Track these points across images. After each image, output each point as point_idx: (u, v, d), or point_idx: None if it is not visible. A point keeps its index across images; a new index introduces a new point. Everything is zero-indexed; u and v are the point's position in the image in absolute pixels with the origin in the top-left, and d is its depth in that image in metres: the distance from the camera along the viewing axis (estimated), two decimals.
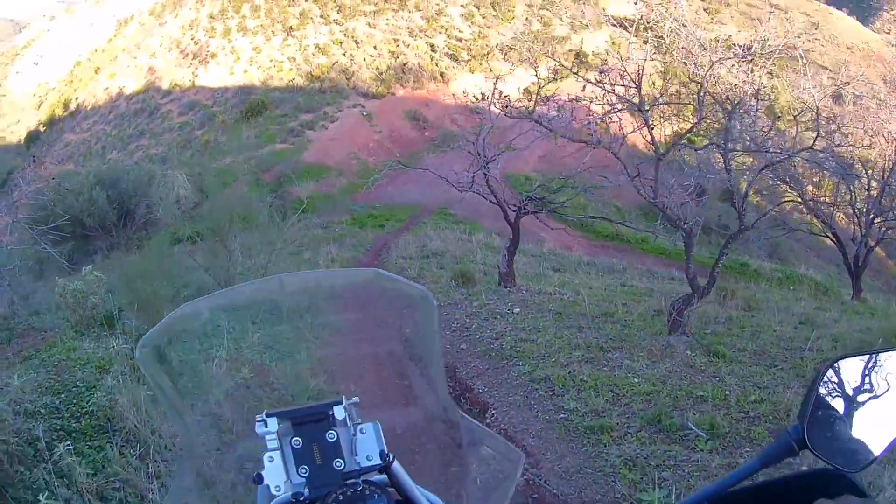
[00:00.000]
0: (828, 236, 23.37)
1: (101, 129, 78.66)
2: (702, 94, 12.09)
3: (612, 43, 68.41)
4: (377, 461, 1.93)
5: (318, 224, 35.45)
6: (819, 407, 2.01)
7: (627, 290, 18.96)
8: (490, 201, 17.47)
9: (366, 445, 1.96)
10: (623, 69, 13.45)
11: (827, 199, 19.13)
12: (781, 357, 11.92)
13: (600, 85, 13.84)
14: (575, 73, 13.75)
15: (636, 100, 12.97)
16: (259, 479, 1.90)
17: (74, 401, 8.78)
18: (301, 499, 1.89)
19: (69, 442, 7.53)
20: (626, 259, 29.99)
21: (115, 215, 27.27)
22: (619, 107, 13.77)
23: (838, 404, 2.06)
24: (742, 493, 1.96)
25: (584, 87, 13.59)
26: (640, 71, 12.60)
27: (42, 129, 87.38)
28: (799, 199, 18.29)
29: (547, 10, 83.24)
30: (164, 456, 7.72)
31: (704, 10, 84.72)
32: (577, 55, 64.00)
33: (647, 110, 12.66)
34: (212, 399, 2.70)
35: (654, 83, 12.96)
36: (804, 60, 13.20)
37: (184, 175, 25.98)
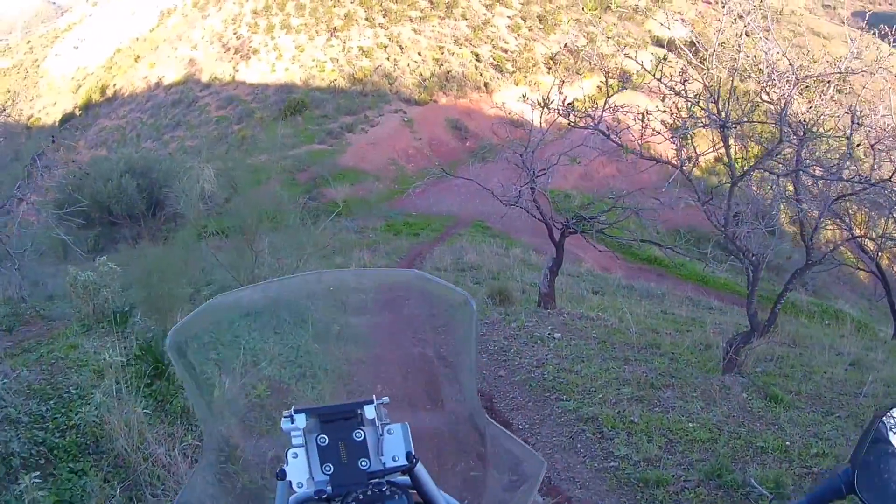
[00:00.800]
0: (872, 272, 22.39)
1: (137, 117, 78.51)
2: (784, 115, 11.07)
3: (658, 63, 67.42)
4: (403, 462, 1.93)
5: (351, 228, 35.11)
6: (871, 452, 1.94)
7: (670, 319, 18.15)
8: (536, 218, 16.71)
9: (392, 446, 1.96)
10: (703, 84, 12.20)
11: (874, 236, 18.07)
12: (837, 402, 11.11)
13: (682, 96, 13.20)
14: (658, 80, 12.57)
15: (719, 114, 11.82)
16: (282, 474, 1.89)
17: (63, 410, 8.07)
18: (324, 496, 1.89)
19: (49, 459, 7.05)
20: (664, 284, 29.48)
21: (143, 204, 26.71)
22: (702, 122, 12.70)
23: (892, 452, 1.96)
24: None
25: (664, 97, 12.62)
26: (720, 86, 11.57)
27: (78, 112, 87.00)
28: (851, 235, 17.27)
29: (593, 26, 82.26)
30: (156, 490, 7.08)
31: (746, 34, 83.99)
32: (624, 73, 63.17)
33: (730, 128, 11.55)
34: (239, 394, 2.74)
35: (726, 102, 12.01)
36: (888, 84, 12.21)
37: (211, 169, 25.08)
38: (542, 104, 14.24)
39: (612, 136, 14.49)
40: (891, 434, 1.97)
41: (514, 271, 24.75)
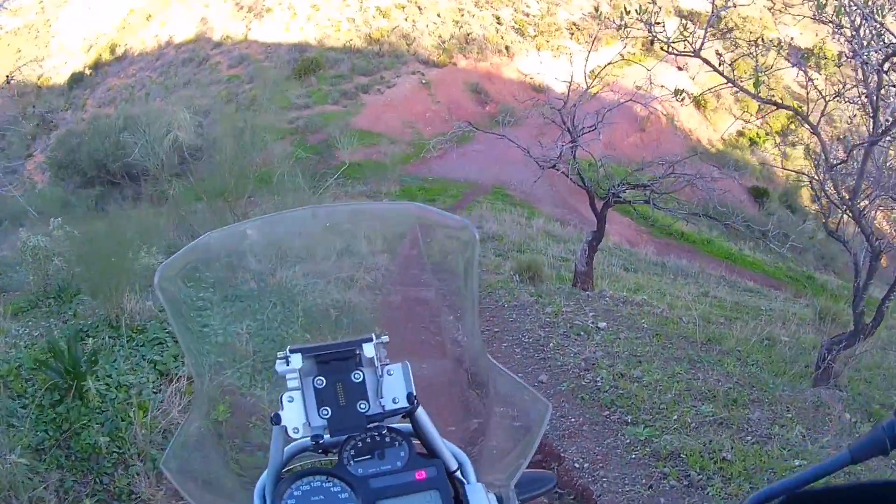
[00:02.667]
0: None
1: (147, 76, 76.70)
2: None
3: (682, 32, 66.81)
4: (404, 404, 1.92)
5: (364, 192, 34.31)
6: None
7: (716, 304, 16.55)
8: (576, 184, 14.83)
9: (393, 387, 1.94)
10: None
11: None
12: None
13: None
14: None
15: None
16: (276, 419, 1.86)
17: None
18: (320, 441, 1.88)
19: None
20: (695, 261, 28.40)
21: (142, 162, 25.28)
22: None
23: None
24: (820, 494, 1.71)
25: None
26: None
27: (87, 71, 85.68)
28: None
29: None
30: None
31: (768, 9, 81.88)
32: (651, 41, 61.92)
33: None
34: (231, 336, 2.79)
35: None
36: None
37: (187, 114, 23.23)
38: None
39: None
40: None
41: (538, 243, 23.21)
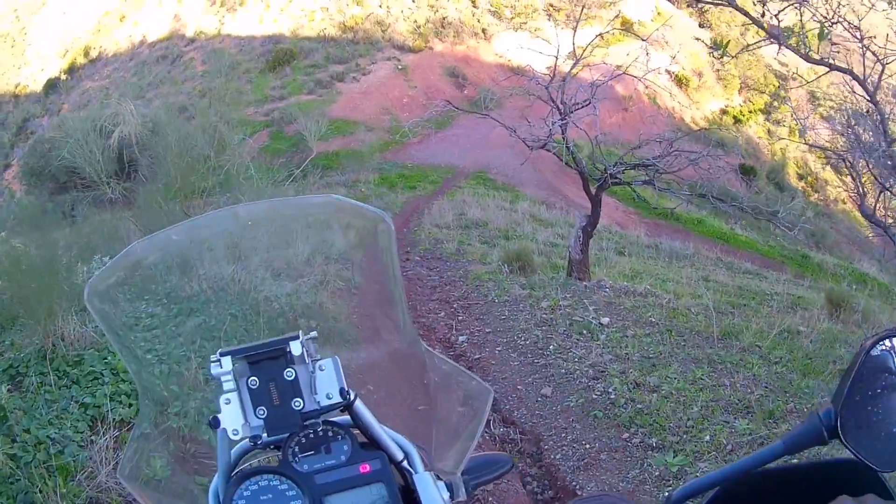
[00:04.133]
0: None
1: (121, 77, 76.27)
2: None
3: (659, 13, 66.98)
4: (338, 399, 1.89)
5: (340, 182, 33.94)
6: (858, 391, 1.64)
7: (720, 289, 15.67)
8: (569, 165, 13.85)
9: (326, 383, 1.91)
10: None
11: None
12: None
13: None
14: None
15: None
16: (215, 423, 1.85)
17: None
18: (259, 442, 1.86)
19: None
20: (688, 242, 27.92)
21: (115, 165, 24.48)
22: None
23: (883, 391, 1.65)
24: (758, 477, 1.75)
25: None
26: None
27: (63, 77, 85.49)
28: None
29: None
30: None
31: None
32: (623, 23, 62.14)
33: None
34: (168, 343, 2.68)
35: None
36: None
37: (133, 106, 22.36)
38: None
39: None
40: (881, 369, 1.63)
41: (524, 228, 22.51)
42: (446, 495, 1.94)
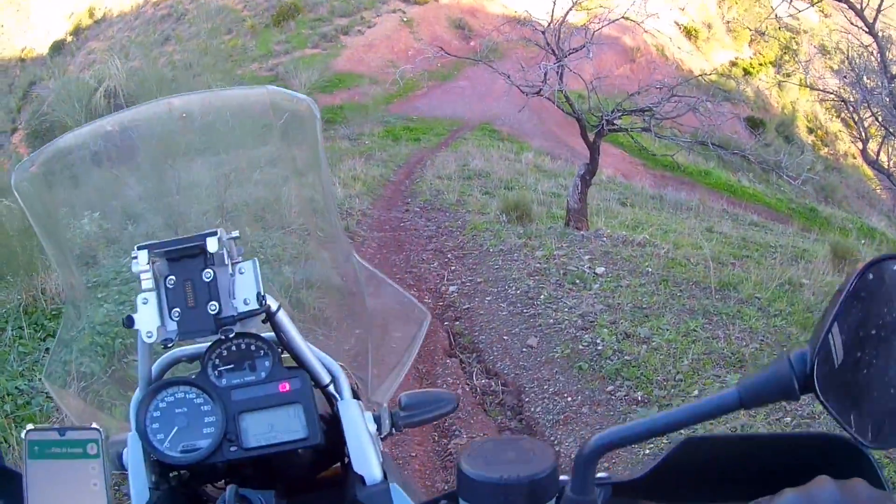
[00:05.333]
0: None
1: (126, 36, 75.99)
2: None
3: None
4: (254, 305, 1.73)
5: (344, 135, 33.12)
6: (845, 331, 1.20)
7: (722, 240, 15.38)
8: (564, 111, 13.85)
9: (244, 287, 1.75)
10: None
11: None
12: None
13: None
14: None
15: None
16: (129, 322, 1.70)
17: None
18: (169, 346, 1.73)
19: None
20: (692, 192, 27.71)
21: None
22: None
23: (878, 332, 1.22)
24: (722, 441, 1.49)
25: None
26: None
27: (68, 38, 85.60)
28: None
29: None
30: None
31: None
32: None
33: None
34: (92, 236, 2.77)
35: None
36: None
37: (118, 61, 22.19)
38: None
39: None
40: (869, 307, 1.19)
41: (527, 179, 22.25)
42: (373, 427, 1.84)
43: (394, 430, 1.94)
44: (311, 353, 1.84)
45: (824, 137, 56.13)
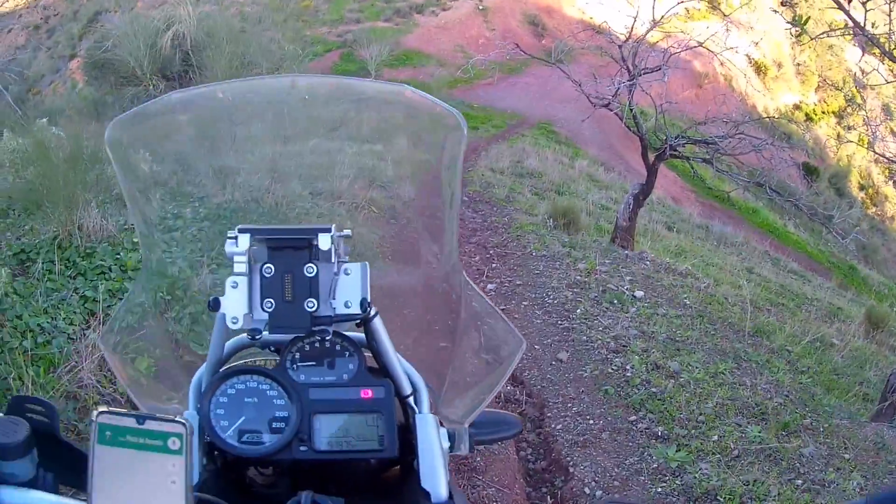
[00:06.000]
0: None
1: None
2: None
3: None
4: (356, 310, 1.77)
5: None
6: None
7: (762, 284, 15.35)
8: (629, 129, 13.82)
9: (348, 289, 1.79)
10: None
11: None
12: None
13: None
14: None
15: None
16: (215, 304, 1.74)
17: None
18: (257, 337, 1.73)
19: None
20: (739, 229, 27.52)
21: (179, 66, 24.63)
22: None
23: None
24: None
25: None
26: None
27: None
28: None
29: None
30: None
31: None
32: None
33: None
34: (183, 208, 2.73)
35: None
36: None
37: (190, 7, 22.15)
38: None
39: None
40: None
41: (578, 186, 22.15)
42: (447, 444, 1.82)
43: (467, 449, 1.92)
44: (398, 363, 1.84)
45: (874, 196, 55.72)
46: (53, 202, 7.75)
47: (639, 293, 10.66)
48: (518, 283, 10.78)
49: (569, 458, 6.50)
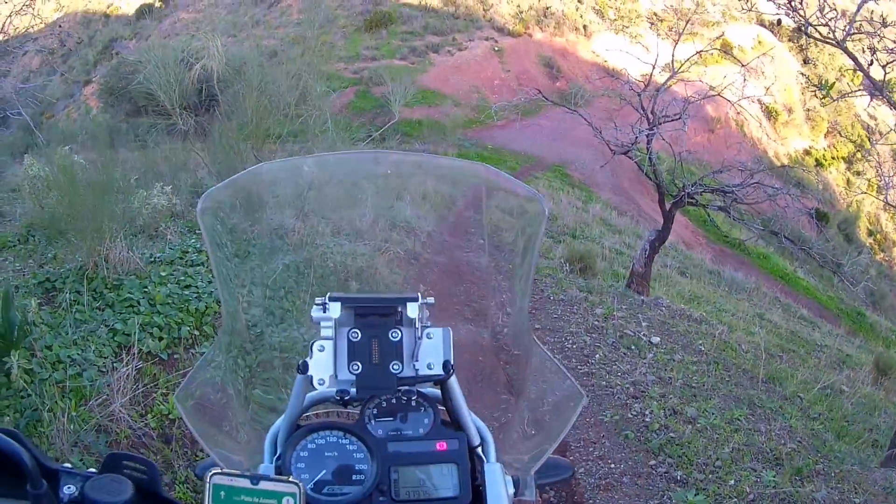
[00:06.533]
0: None
1: (216, 12, 76.35)
2: None
3: (759, 42, 66.41)
4: (438, 371, 1.88)
5: (419, 151, 31.60)
6: None
7: (773, 331, 15.40)
8: (647, 177, 14.08)
9: (430, 352, 1.90)
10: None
11: None
12: None
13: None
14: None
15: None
16: (303, 367, 1.82)
17: None
18: (346, 397, 1.85)
19: None
20: (750, 275, 27.68)
21: (197, 97, 24.73)
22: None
23: None
24: None
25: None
26: None
27: (157, 3, 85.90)
28: None
29: None
30: None
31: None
32: (723, 45, 61.56)
33: None
34: (267, 274, 2.73)
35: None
36: None
37: (220, 42, 22.24)
38: None
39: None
40: None
41: (592, 230, 22.26)
42: (511, 490, 1.88)
43: (534, 495, 1.98)
44: (469, 417, 1.95)
45: (882, 242, 55.56)
46: (80, 232, 7.75)
47: (655, 339, 10.80)
48: (536, 326, 10.84)
49: (591, 502, 6.64)
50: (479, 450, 1.96)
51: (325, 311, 1.83)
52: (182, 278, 8.17)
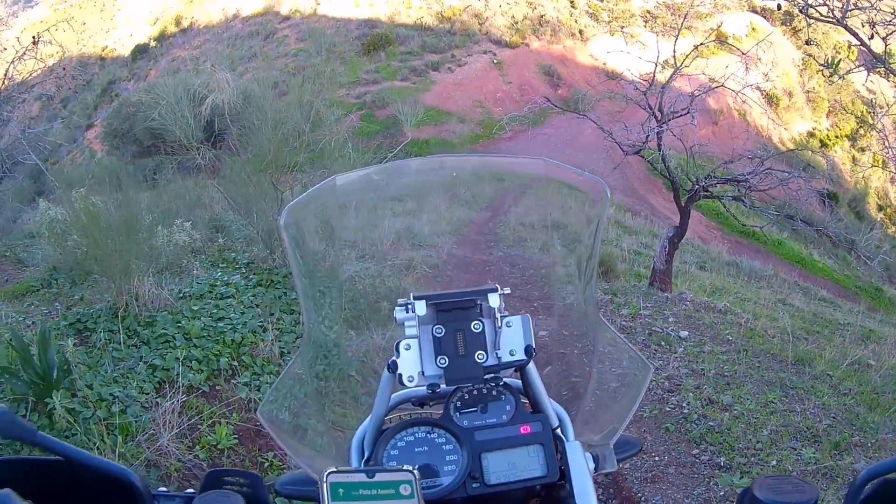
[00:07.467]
0: None
1: (213, 48, 75.73)
2: None
3: (753, 29, 66.32)
4: (521, 356, 1.94)
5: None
6: None
7: (796, 314, 15.46)
8: (662, 174, 14.65)
9: (511, 339, 1.96)
10: None
11: None
12: None
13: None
14: None
15: None
16: (393, 366, 1.87)
17: None
18: (437, 390, 1.90)
19: None
20: (767, 263, 27.73)
21: (201, 133, 24.78)
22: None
23: None
24: None
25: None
26: None
27: (152, 43, 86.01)
28: None
29: None
30: None
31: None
32: (718, 36, 61.32)
33: None
34: (349, 280, 3.10)
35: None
36: None
37: (228, 75, 22.29)
38: None
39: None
40: None
41: (609, 233, 22.36)
42: (592, 466, 1.92)
43: (615, 465, 2.00)
44: (548, 401, 2.02)
45: (893, 216, 55.37)
46: (107, 272, 7.85)
47: (683, 333, 10.95)
48: (565, 332, 10.91)
49: (640, 495, 6.81)
50: (559, 430, 2.03)
51: (408, 311, 1.89)
52: (214, 311, 8.34)
